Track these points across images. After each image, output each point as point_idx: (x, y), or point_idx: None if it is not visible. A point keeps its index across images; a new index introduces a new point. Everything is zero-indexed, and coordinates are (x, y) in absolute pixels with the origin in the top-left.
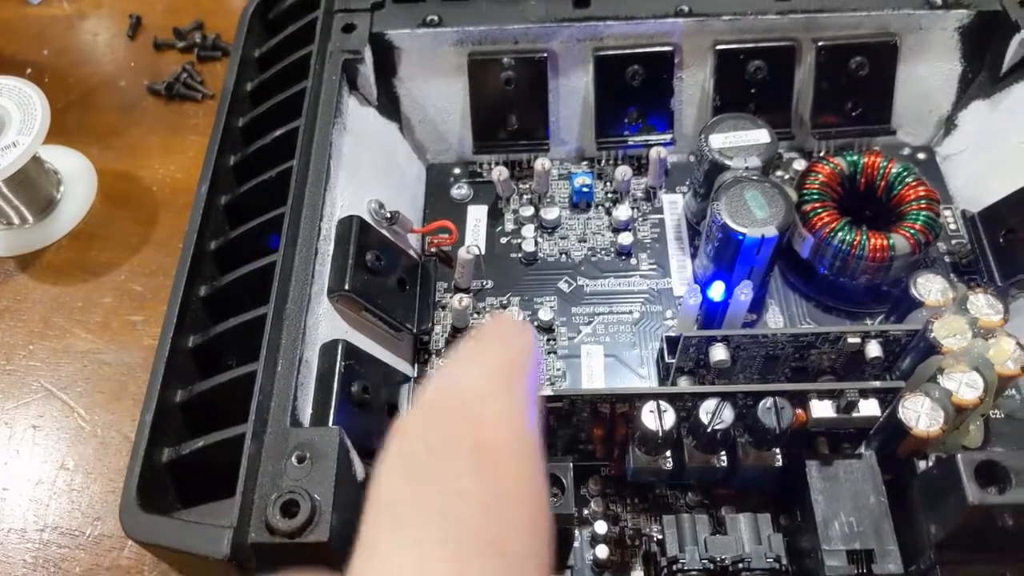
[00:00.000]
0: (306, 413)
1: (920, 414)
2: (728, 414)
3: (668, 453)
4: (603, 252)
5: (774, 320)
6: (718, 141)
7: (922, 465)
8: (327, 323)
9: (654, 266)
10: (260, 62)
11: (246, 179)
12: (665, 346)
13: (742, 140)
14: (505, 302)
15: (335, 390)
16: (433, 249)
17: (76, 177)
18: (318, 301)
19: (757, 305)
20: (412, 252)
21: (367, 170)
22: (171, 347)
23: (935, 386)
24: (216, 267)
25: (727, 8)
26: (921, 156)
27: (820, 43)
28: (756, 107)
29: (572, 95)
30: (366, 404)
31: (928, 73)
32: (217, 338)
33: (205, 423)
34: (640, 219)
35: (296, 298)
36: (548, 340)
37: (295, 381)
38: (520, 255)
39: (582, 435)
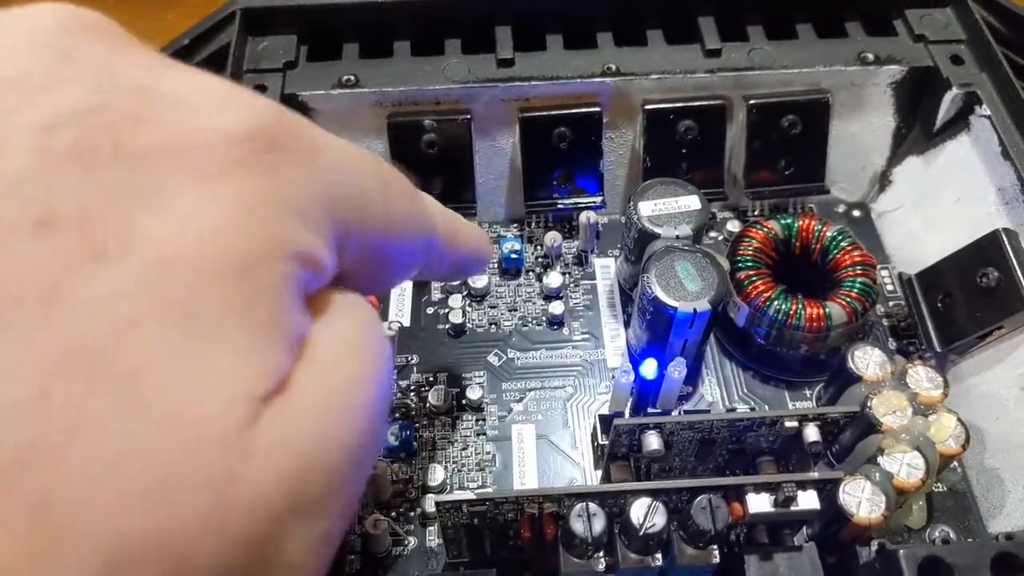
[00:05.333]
0: None
1: (861, 500)
2: (660, 518)
3: (601, 554)
4: (534, 321)
5: (711, 392)
6: (647, 208)
7: (864, 553)
8: None
9: (587, 336)
10: None
11: None
12: (598, 424)
13: (672, 207)
14: (432, 379)
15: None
16: None
17: None
18: None
19: (693, 376)
20: None
21: None
22: None
23: (875, 468)
24: None
25: (655, 67)
26: (856, 213)
27: (751, 101)
28: (687, 167)
29: (498, 157)
30: None
31: (861, 129)
32: None
33: None
34: (572, 285)
35: None
36: (477, 421)
37: None
38: (448, 326)
39: (510, 532)
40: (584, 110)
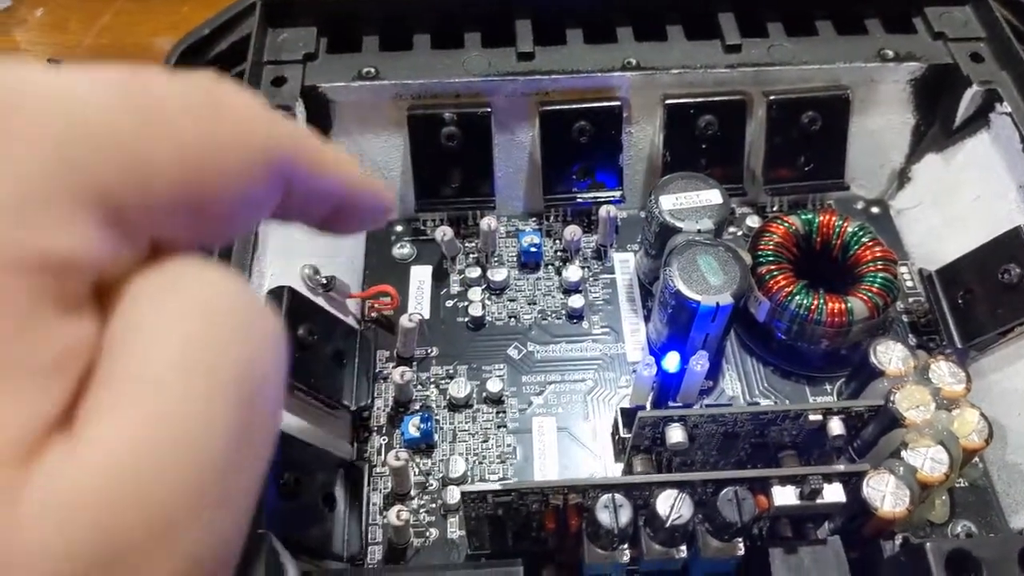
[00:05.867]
0: None
1: (885, 493)
2: (687, 509)
3: (625, 546)
4: (553, 315)
5: (731, 387)
6: (668, 202)
7: (888, 547)
8: None
9: (606, 330)
10: None
11: None
12: (620, 418)
13: (693, 201)
14: (452, 371)
15: (264, 485)
16: (373, 314)
17: None
18: None
19: (713, 370)
20: (351, 319)
21: (300, 233)
22: None
23: (899, 462)
24: None
25: (676, 62)
26: (875, 210)
27: (771, 97)
28: (707, 162)
29: (518, 151)
30: (299, 496)
31: (880, 126)
32: None
33: None
34: (591, 279)
35: None
36: (498, 413)
37: None
38: (467, 319)
39: (533, 523)
40: (604, 104)
